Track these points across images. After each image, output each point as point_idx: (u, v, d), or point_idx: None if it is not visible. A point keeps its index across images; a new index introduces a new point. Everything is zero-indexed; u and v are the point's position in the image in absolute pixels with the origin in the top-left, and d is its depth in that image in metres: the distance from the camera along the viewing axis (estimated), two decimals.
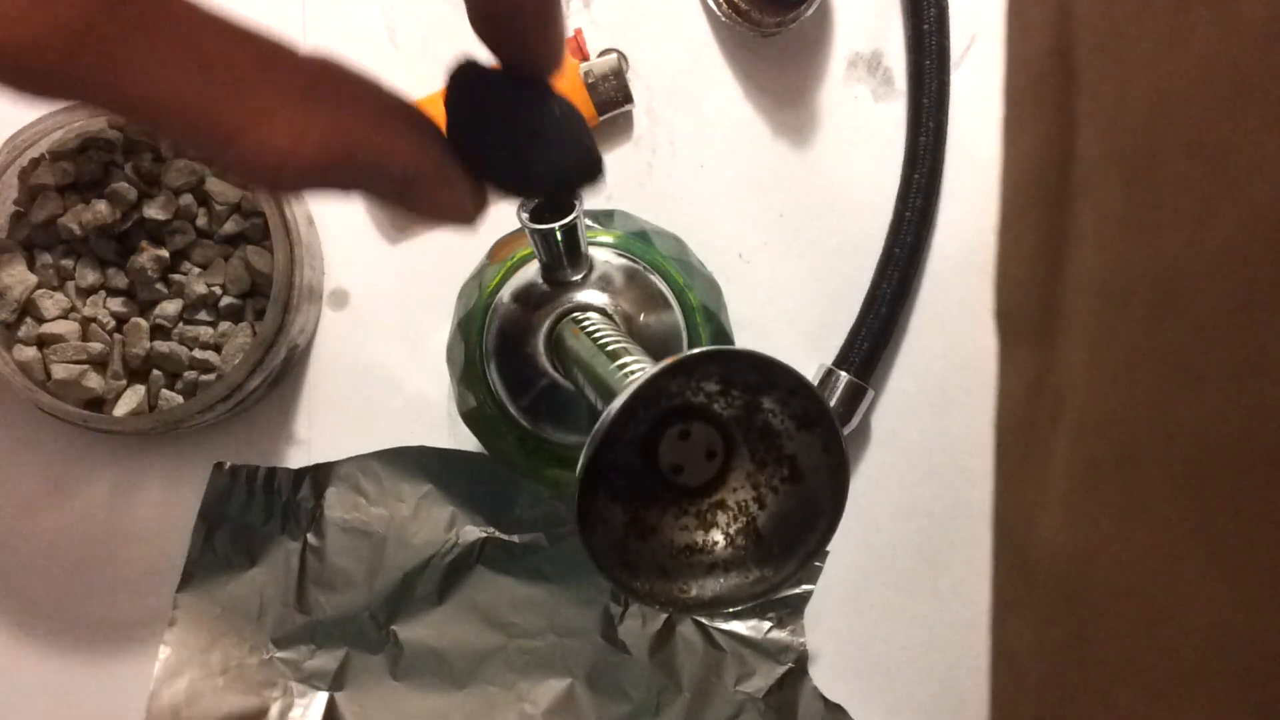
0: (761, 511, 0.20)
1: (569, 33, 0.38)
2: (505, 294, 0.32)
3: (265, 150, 0.16)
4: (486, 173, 0.21)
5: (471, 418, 0.34)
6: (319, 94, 0.17)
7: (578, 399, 0.32)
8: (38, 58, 0.15)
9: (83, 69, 0.15)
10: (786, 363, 0.19)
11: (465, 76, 0.21)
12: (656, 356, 0.31)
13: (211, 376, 0.36)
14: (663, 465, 0.20)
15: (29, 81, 0.15)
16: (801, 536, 0.20)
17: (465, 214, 0.21)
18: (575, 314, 0.30)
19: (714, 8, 0.38)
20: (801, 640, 0.37)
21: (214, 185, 0.36)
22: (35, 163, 0.35)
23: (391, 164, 0.19)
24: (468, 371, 0.33)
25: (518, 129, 0.21)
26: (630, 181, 0.39)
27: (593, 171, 0.22)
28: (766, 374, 0.19)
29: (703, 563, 0.20)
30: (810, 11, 0.36)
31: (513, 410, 0.33)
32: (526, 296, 0.32)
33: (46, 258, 0.36)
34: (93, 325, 0.36)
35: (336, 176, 0.17)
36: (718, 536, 0.20)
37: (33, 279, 0.35)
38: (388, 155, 0.18)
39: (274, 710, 0.37)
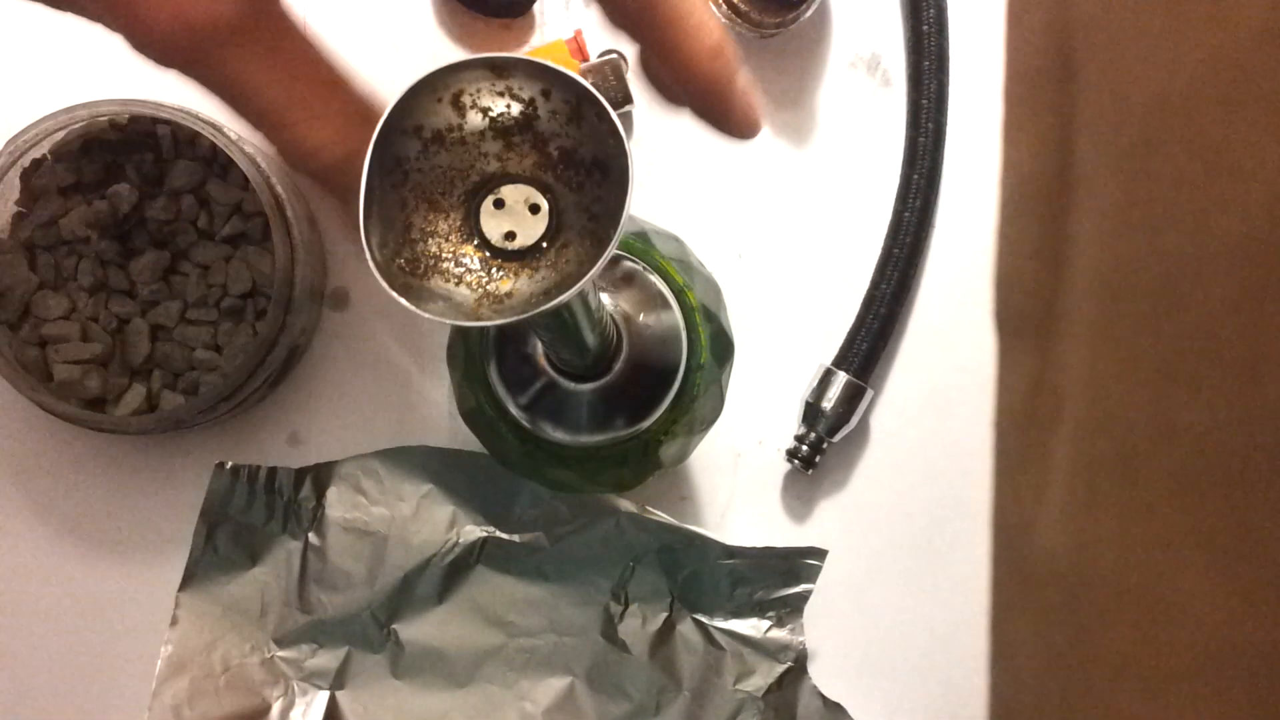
0: (571, 204, 0.21)
1: (569, 34, 0.38)
2: None
3: (307, 141, 0.21)
4: None
5: (472, 417, 0.34)
6: (356, 118, 0.22)
7: (577, 399, 0.32)
8: (190, 38, 0.20)
9: (215, 55, 0.20)
10: (523, 56, 0.19)
11: None
12: (656, 357, 0.31)
13: (212, 376, 0.36)
14: (494, 241, 0.20)
15: (172, 53, 0.20)
16: (613, 210, 0.20)
17: None
18: None
19: (714, 9, 0.38)
20: (801, 639, 0.37)
21: (214, 187, 0.36)
22: (37, 164, 0.36)
23: None
24: (468, 371, 0.33)
25: None
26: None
27: None
28: (511, 75, 0.19)
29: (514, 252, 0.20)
30: (810, 13, 0.37)
31: (513, 410, 0.33)
32: None
33: (48, 258, 0.36)
34: (94, 325, 0.36)
35: (341, 177, 0.22)
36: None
37: (35, 279, 0.36)
38: None
39: (275, 709, 0.37)
